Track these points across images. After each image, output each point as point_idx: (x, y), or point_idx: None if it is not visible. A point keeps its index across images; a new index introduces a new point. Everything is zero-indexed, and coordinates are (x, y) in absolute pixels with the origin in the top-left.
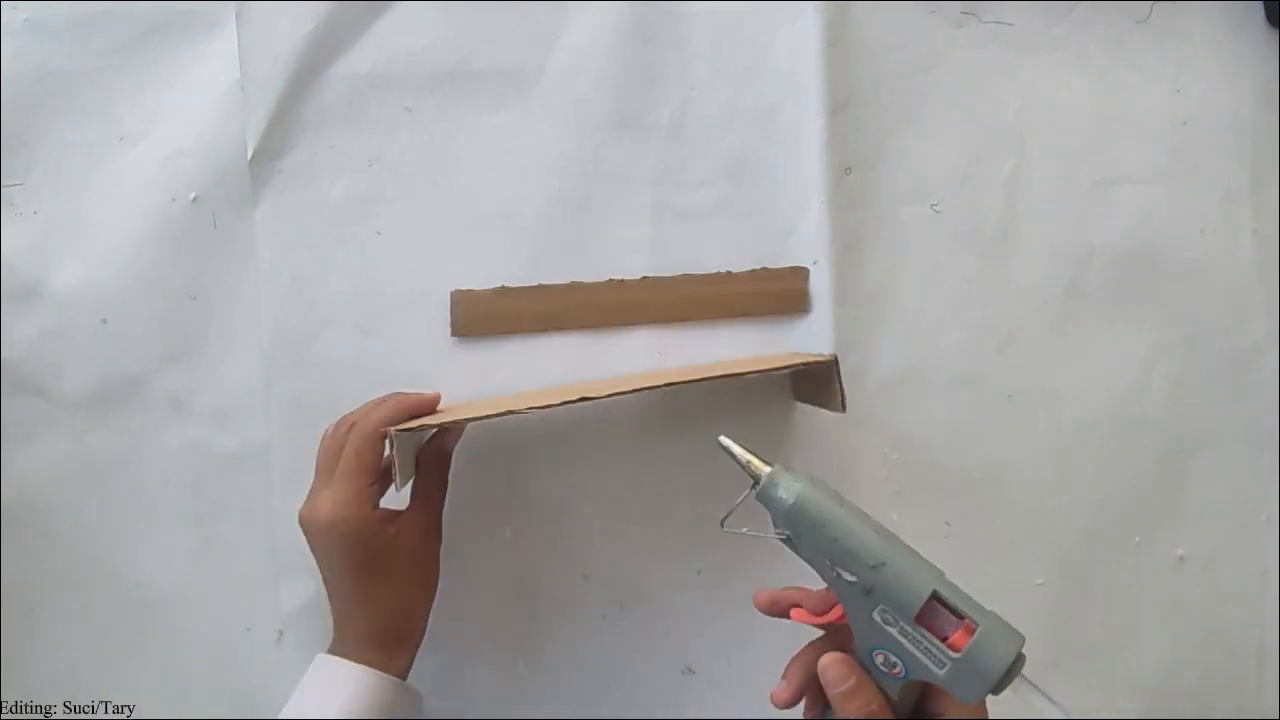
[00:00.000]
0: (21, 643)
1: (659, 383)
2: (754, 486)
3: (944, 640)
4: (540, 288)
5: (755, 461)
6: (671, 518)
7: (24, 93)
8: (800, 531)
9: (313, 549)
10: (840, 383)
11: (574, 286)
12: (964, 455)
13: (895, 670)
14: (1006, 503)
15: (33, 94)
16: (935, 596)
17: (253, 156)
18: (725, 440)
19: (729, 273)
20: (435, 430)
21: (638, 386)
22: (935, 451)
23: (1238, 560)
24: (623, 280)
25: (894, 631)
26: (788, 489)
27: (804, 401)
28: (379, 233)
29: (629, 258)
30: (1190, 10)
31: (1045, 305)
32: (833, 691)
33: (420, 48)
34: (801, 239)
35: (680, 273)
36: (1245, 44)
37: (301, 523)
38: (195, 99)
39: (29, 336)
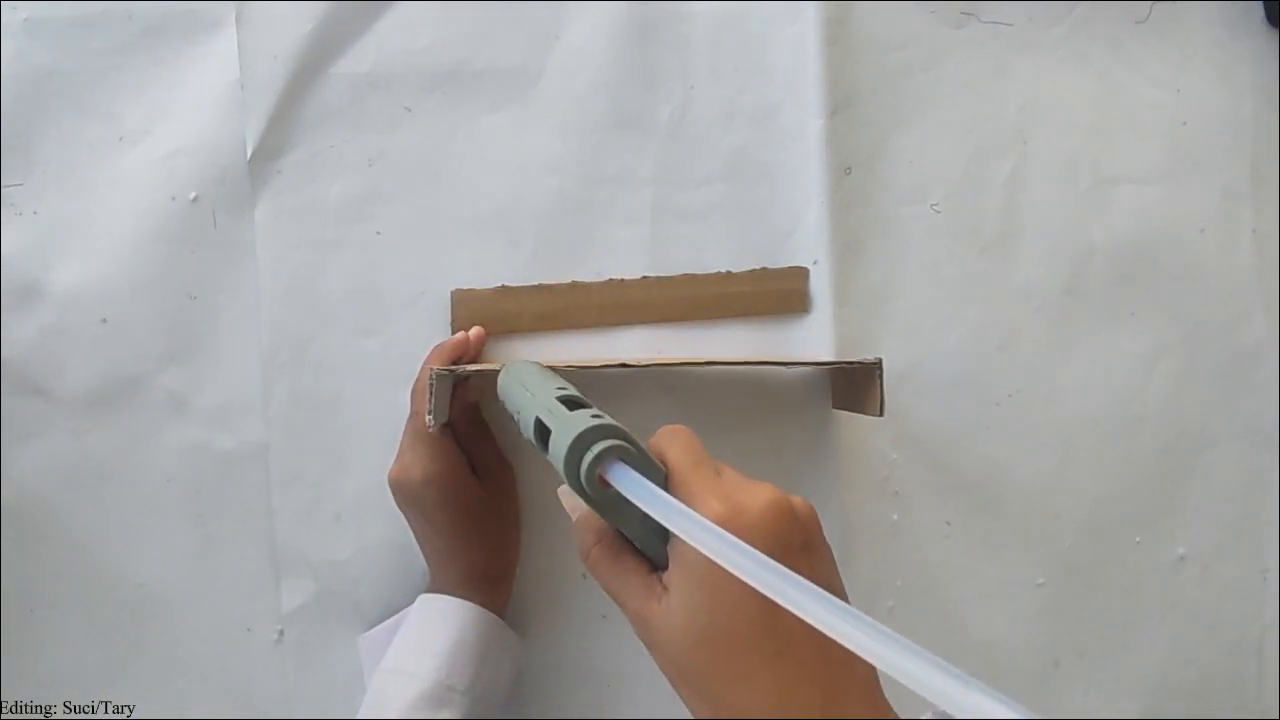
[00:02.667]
0: (21, 643)
1: (700, 360)
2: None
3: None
4: (540, 287)
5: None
6: None
7: (24, 93)
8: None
9: (407, 508)
10: (881, 386)
11: (574, 286)
12: (964, 455)
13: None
14: (1006, 503)
15: (33, 94)
16: (538, 421)
17: (252, 156)
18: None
19: (729, 273)
20: (468, 375)
21: (677, 361)
22: (935, 451)
23: (1238, 559)
24: (623, 280)
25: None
26: (500, 378)
27: (841, 409)
28: (379, 233)
29: (629, 258)
30: (1190, 10)
31: (1045, 305)
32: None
33: (420, 48)
34: (801, 239)
35: (680, 273)
36: (1245, 44)
37: (393, 484)
38: (195, 99)
39: (29, 336)
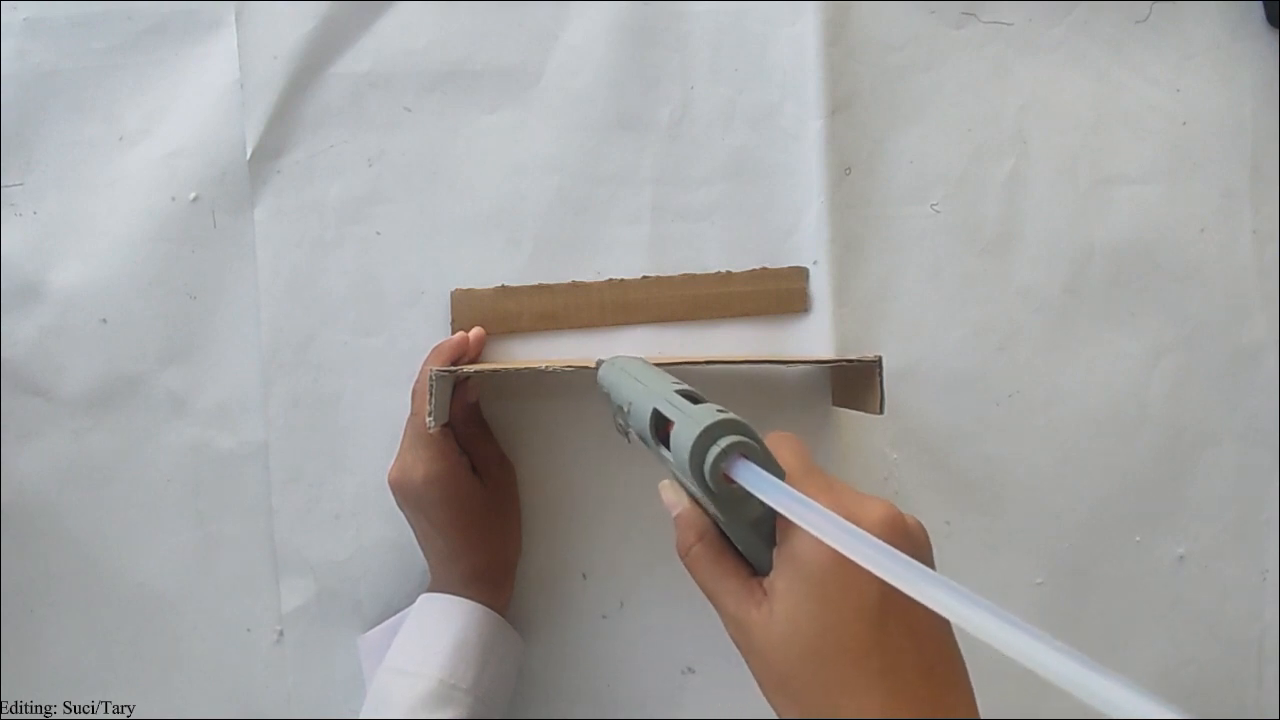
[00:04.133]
0: (21, 643)
1: (700, 360)
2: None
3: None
4: (540, 287)
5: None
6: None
7: (24, 93)
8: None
9: (407, 508)
10: (881, 384)
11: (574, 286)
12: (964, 455)
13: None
14: (1006, 503)
15: (33, 94)
16: (656, 413)
17: (252, 156)
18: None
19: (729, 273)
20: (468, 375)
21: (675, 360)
22: (935, 451)
23: (1238, 559)
24: (623, 280)
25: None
26: (603, 371)
27: (841, 406)
28: (379, 233)
29: (629, 258)
30: (1190, 10)
31: (1045, 305)
32: (671, 515)
33: (420, 48)
34: (801, 239)
35: (680, 273)
36: (1245, 44)
37: (394, 484)
38: (195, 99)
39: (29, 336)
